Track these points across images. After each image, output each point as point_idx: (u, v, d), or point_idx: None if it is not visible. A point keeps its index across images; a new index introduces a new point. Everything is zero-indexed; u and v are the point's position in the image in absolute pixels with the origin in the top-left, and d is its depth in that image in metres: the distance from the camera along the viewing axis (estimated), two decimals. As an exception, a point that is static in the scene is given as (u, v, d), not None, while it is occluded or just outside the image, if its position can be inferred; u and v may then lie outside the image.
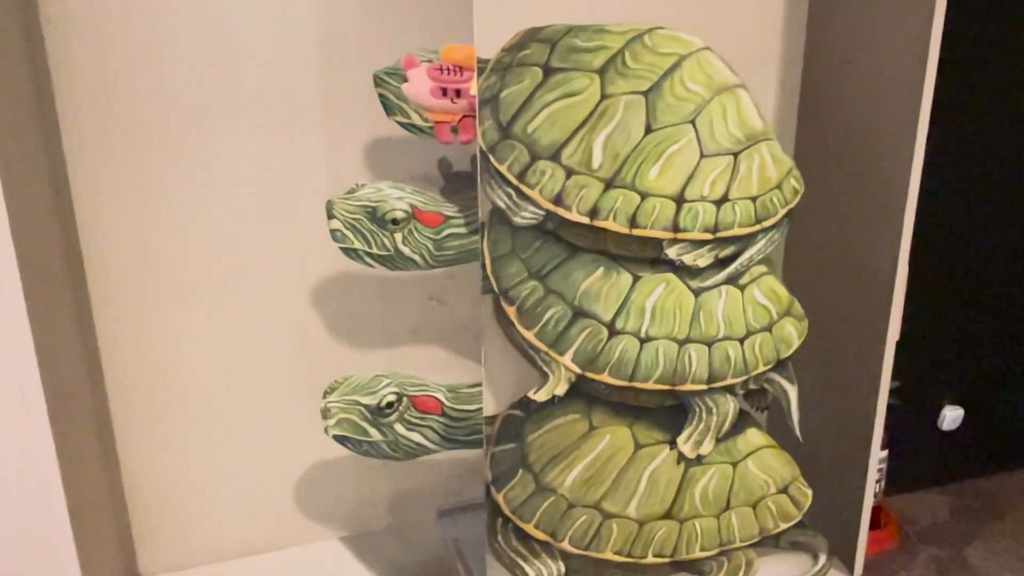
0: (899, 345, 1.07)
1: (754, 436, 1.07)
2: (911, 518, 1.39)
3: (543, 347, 0.98)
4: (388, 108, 1.02)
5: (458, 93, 0.96)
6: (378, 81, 1.01)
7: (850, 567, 1.17)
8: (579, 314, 0.97)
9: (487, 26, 0.91)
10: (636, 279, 0.97)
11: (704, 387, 0.99)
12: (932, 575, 1.26)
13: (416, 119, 1.02)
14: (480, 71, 0.95)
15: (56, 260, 0.97)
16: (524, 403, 1.07)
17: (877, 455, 1.12)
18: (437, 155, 1.12)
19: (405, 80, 0.97)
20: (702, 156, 0.94)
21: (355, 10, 1.05)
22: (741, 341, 0.99)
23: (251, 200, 1.09)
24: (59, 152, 1.00)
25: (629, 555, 1.03)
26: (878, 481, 1.27)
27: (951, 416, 1.42)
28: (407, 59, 0.97)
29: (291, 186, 1.10)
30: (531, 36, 0.97)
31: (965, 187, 1.31)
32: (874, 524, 1.25)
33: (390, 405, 1.00)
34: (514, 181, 0.94)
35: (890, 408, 1.10)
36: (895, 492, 1.41)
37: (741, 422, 1.06)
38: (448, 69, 0.95)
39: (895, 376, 1.08)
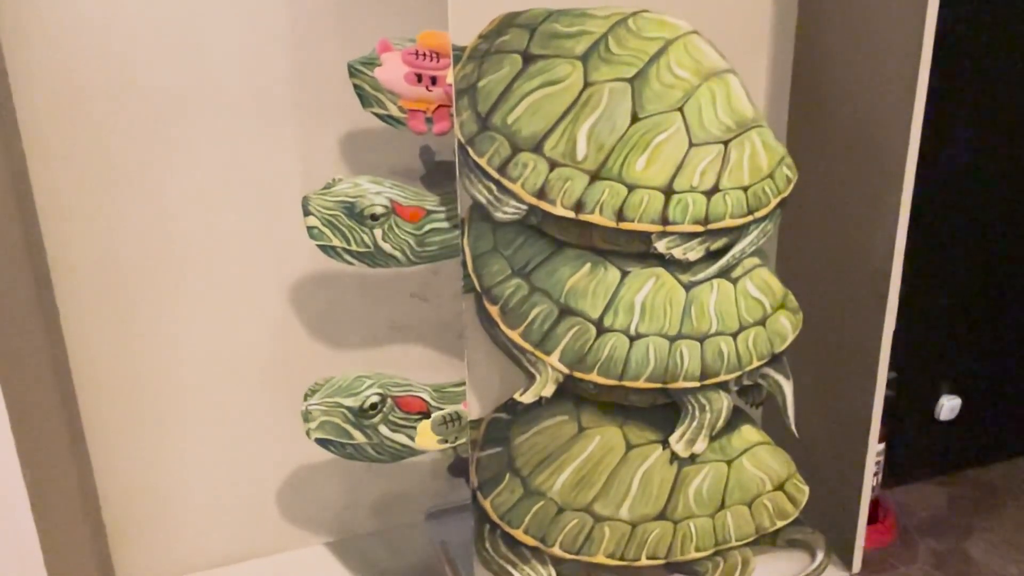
0: (895, 335, 1.06)
1: (749, 433, 1.06)
2: (909, 510, 1.38)
3: (529, 347, 0.96)
4: (364, 99, 1.00)
5: (434, 80, 0.93)
6: (353, 71, 0.99)
7: (848, 563, 1.16)
8: (565, 312, 0.95)
9: (463, 11, 0.89)
10: (624, 274, 0.95)
11: (697, 384, 0.98)
12: (932, 569, 1.25)
13: (393, 110, 1.00)
14: (456, 59, 0.92)
15: (17, 259, 0.94)
16: (510, 405, 1.06)
17: (875, 449, 1.11)
18: (416, 147, 1.10)
19: (379, 65, 0.94)
20: (691, 145, 0.92)
21: (327, -3, 1.02)
22: (734, 336, 0.98)
23: (224, 197, 1.07)
24: (18, 150, 0.97)
25: (622, 558, 1.02)
26: (875, 474, 1.25)
27: (948, 406, 1.42)
28: (382, 43, 0.94)
29: (265, 182, 1.08)
30: (509, 22, 0.95)
31: (961, 173, 1.30)
32: (872, 518, 1.24)
33: (374, 406, 1.00)
34: (495, 175, 0.92)
35: (886, 399, 1.10)
36: (892, 484, 1.41)
37: (735, 419, 1.05)
38: (424, 55, 0.92)
39: (891, 367, 1.08)
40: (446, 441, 1.00)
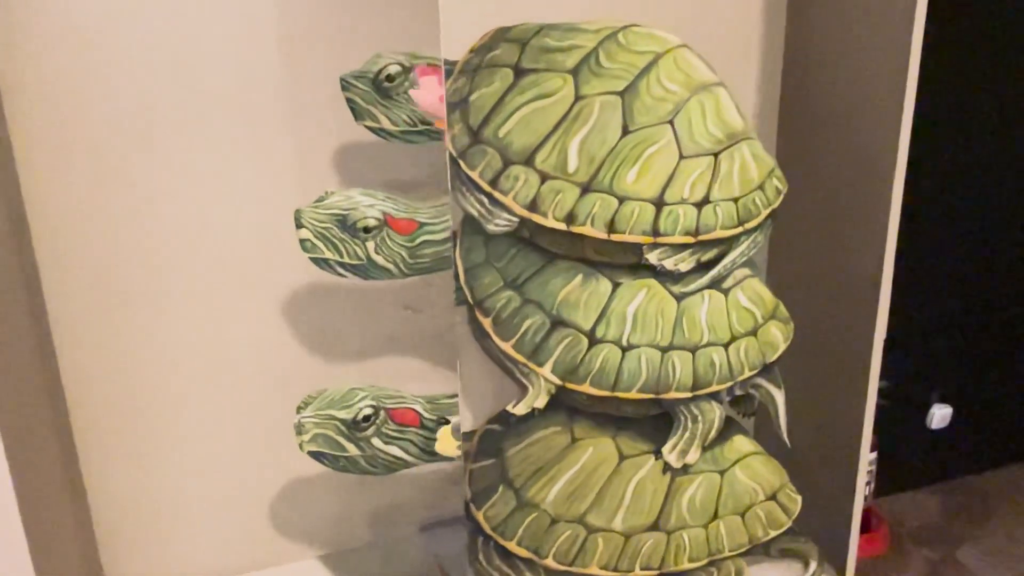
0: (886, 344, 1.06)
1: (741, 443, 1.06)
2: (902, 519, 1.38)
3: (521, 359, 0.96)
4: (357, 113, 1.00)
5: None
6: (346, 85, 0.99)
7: (842, 572, 1.16)
8: (558, 323, 0.95)
9: (454, 26, 0.89)
10: (616, 286, 0.95)
11: (689, 395, 0.97)
12: (925, 578, 1.25)
13: (386, 123, 1.00)
14: (448, 73, 0.93)
15: (7, 269, 0.94)
16: (503, 417, 1.05)
17: (867, 458, 1.11)
18: (409, 160, 1.10)
19: (415, 86, 0.95)
20: (681, 157, 0.92)
21: (319, 11, 1.02)
22: (726, 346, 0.98)
23: (216, 210, 1.06)
24: (8, 160, 0.96)
25: (616, 569, 1.02)
26: (868, 483, 1.25)
27: (940, 414, 1.42)
28: (420, 68, 0.95)
29: (258, 195, 1.07)
30: (500, 36, 0.95)
31: (951, 183, 1.31)
32: (865, 527, 1.24)
33: (367, 419, 0.99)
34: (486, 188, 0.92)
35: (878, 408, 1.10)
36: (885, 493, 1.41)
37: (727, 429, 1.05)
38: None
39: (882, 376, 1.08)
40: None
